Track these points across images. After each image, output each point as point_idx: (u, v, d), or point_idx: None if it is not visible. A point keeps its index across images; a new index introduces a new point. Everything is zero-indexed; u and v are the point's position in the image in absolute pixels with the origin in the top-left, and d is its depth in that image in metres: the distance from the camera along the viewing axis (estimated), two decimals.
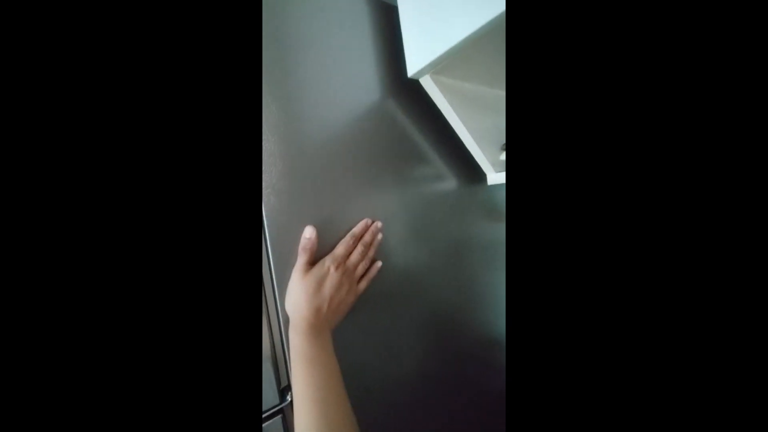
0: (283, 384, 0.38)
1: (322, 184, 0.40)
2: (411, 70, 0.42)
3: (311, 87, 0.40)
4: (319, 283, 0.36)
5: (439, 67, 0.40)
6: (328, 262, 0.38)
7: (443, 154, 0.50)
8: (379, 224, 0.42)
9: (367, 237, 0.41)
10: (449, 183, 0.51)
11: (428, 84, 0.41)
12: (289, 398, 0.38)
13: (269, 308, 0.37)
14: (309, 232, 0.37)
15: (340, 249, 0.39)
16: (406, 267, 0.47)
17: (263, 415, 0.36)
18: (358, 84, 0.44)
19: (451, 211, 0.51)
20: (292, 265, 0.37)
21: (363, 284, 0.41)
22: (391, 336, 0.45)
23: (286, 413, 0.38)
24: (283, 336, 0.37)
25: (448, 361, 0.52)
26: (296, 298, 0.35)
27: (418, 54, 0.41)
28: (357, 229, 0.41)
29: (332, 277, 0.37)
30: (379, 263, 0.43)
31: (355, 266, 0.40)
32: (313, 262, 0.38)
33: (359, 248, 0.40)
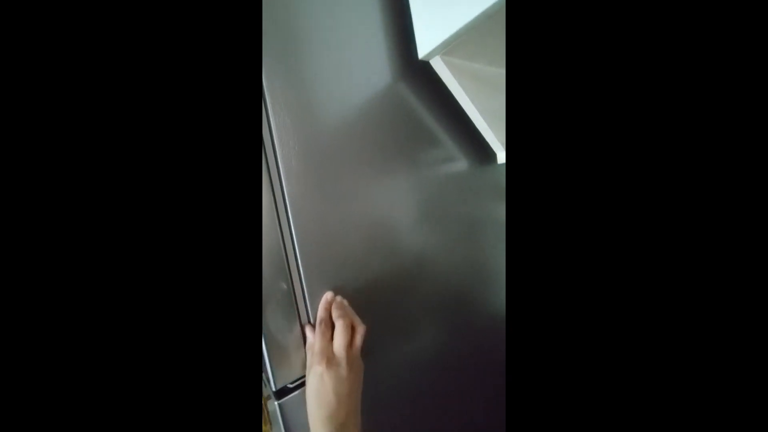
0: None
1: (336, 167, 0.41)
2: (421, 52, 0.42)
3: (320, 72, 0.41)
4: (318, 393, 0.35)
5: (450, 47, 0.40)
6: (315, 366, 0.35)
7: (454, 135, 0.50)
8: (332, 296, 0.40)
9: (335, 313, 0.39)
10: (460, 164, 0.52)
11: (438, 65, 0.42)
12: None
13: (293, 282, 0.39)
14: (309, 333, 0.38)
15: (317, 344, 0.37)
16: (419, 249, 0.48)
17: (296, 384, 0.40)
18: (369, 67, 0.44)
19: (463, 192, 0.52)
20: (316, 249, 0.39)
21: (358, 347, 0.38)
22: (405, 318, 0.48)
23: None
24: (309, 310, 0.40)
25: (461, 341, 0.55)
26: (309, 408, 0.35)
27: (428, 35, 0.41)
28: (322, 313, 0.38)
29: (327, 382, 0.35)
30: (363, 326, 0.40)
31: (345, 347, 0.36)
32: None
33: (339, 328, 0.37)
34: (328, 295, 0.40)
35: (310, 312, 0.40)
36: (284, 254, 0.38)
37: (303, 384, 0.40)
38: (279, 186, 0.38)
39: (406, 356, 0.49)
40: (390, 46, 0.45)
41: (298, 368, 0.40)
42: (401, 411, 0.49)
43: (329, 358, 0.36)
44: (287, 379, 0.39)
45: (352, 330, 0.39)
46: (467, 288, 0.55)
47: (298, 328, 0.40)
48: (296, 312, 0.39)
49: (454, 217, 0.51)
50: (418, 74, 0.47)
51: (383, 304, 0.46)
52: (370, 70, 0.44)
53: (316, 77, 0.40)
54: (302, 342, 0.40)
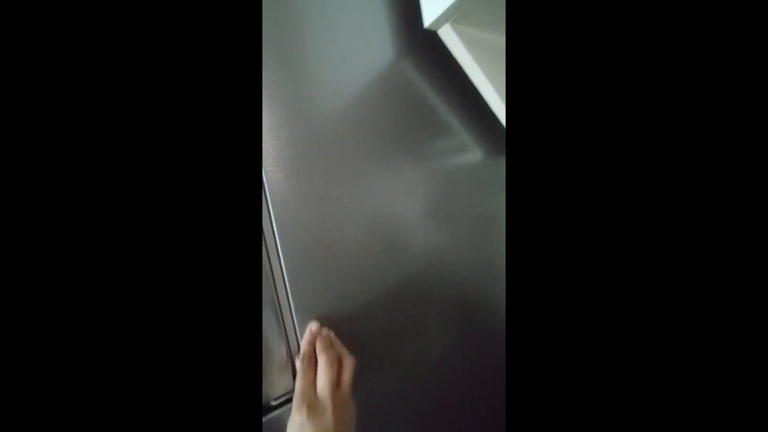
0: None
1: (331, 158, 0.36)
2: (428, 20, 0.36)
3: (316, 47, 0.35)
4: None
5: (460, 13, 0.34)
6: (294, 415, 0.30)
7: (466, 120, 0.44)
8: (317, 327, 0.35)
9: (319, 346, 0.33)
10: (472, 154, 0.45)
11: (447, 35, 0.35)
12: None
13: (279, 294, 0.35)
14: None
15: (298, 386, 0.31)
16: (427, 250, 0.43)
17: (280, 401, 0.36)
18: (369, 41, 0.38)
19: (475, 185, 0.46)
20: (301, 248, 0.35)
21: (347, 385, 0.33)
22: (412, 325, 0.43)
23: None
24: (295, 321, 0.36)
25: (472, 338, 0.50)
26: None
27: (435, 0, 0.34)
28: (306, 348, 0.33)
29: (307, 429, 0.29)
30: (352, 359, 0.34)
31: (331, 387, 0.31)
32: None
33: (323, 365, 0.32)
34: (312, 326, 0.34)
35: (296, 324, 0.36)
36: (268, 264, 0.34)
37: (288, 401, 0.36)
38: (264, 195, 0.33)
39: (413, 353, 0.44)
40: (391, 15, 0.39)
41: (282, 384, 0.36)
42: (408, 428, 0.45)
43: (311, 404, 0.30)
44: (270, 396, 0.35)
45: (340, 365, 0.33)
46: (480, 290, 0.49)
47: (283, 342, 0.35)
48: (281, 322, 0.35)
49: (465, 214, 0.45)
50: (425, 48, 0.40)
51: (388, 311, 0.41)
52: (369, 45, 0.38)
53: (307, 58, 0.35)
54: (287, 356, 0.36)
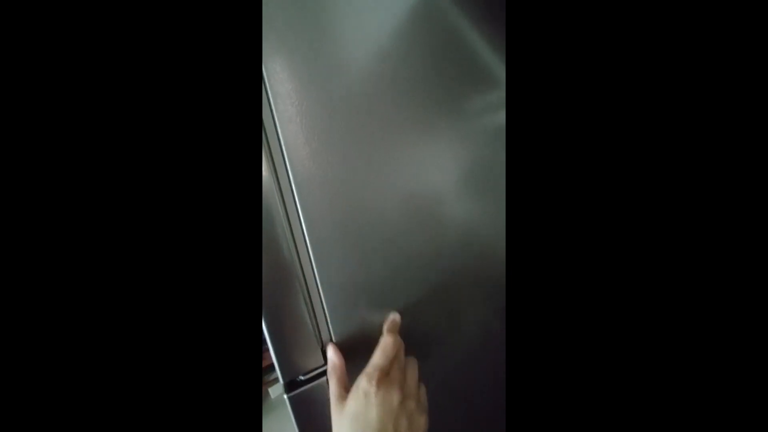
0: (326, 344, 0.35)
1: (356, 123, 0.32)
2: None
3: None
4: (359, 421, 0.26)
5: None
6: (363, 384, 0.27)
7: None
8: (398, 317, 0.34)
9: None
10: None
11: None
12: None
13: (305, 272, 0.33)
14: (332, 353, 0.30)
15: (376, 358, 0.29)
16: (467, 220, 0.38)
17: (309, 376, 0.35)
18: None
19: None
20: (327, 221, 0.32)
21: (423, 421, 0.29)
22: (450, 293, 0.39)
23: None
24: (322, 295, 0.33)
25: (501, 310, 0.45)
26: None
27: None
28: (391, 326, 0.31)
29: (377, 407, 0.26)
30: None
31: (411, 389, 0.29)
32: (347, 388, 0.29)
33: (412, 361, 0.30)
34: (395, 317, 0.34)
35: (324, 300, 0.33)
36: (293, 244, 0.32)
37: (316, 378, 0.35)
38: (282, 165, 0.30)
39: (449, 332, 0.41)
40: None
41: (310, 360, 0.34)
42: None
43: (382, 378, 0.28)
44: (297, 372, 0.34)
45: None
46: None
47: (308, 318, 0.33)
48: (308, 299, 0.33)
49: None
50: None
51: (422, 291, 0.37)
52: None
53: (326, 10, 0.30)
54: (315, 332, 0.34)
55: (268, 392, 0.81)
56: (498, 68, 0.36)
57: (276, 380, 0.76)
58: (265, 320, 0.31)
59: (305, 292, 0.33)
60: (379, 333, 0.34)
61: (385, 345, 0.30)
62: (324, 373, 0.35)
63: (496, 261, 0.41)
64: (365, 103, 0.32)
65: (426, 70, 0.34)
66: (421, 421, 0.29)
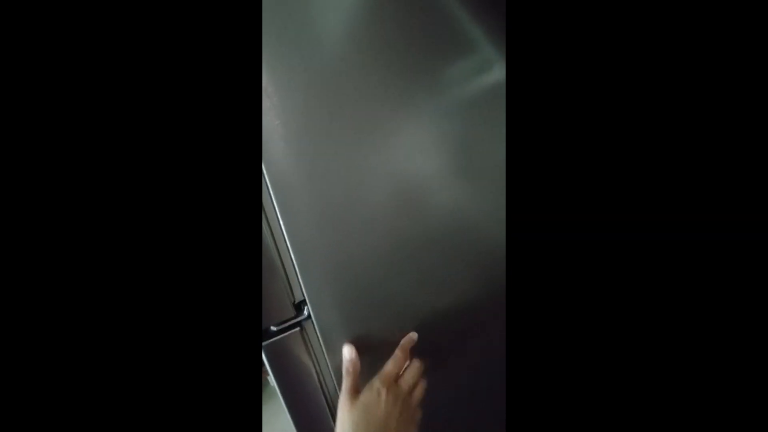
0: (298, 299, 0.37)
1: (333, 107, 0.32)
2: None
3: None
4: (368, 410, 0.32)
5: None
6: (377, 384, 0.33)
7: (491, 23, 0.35)
8: (415, 336, 0.38)
9: (416, 364, 0.36)
10: (499, 71, 0.37)
11: None
12: (306, 312, 0.37)
13: (273, 230, 0.34)
14: (348, 352, 0.35)
15: (389, 367, 0.35)
16: (452, 198, 0.38)
17: (280, 327, 0.37)
18: None
19: (501, 114, 0.38)
20: (305, 213, 0.33)
21: (419, 414, 0.36)
22: (440, 275, 0.40)
23: (304, 327, 0.37)
24: (290, 246, 0.34)
25: (497, 296, 0.45)
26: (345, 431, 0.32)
27: None
28: (406, 342, 0.36)
29: (386, 402, 0.32)
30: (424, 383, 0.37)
31: (411, 388, 0.35)
32: (358, 385, 0.34)
33: (415, 365, 0.36)
34: (413, 336, 0.38)
35: (298, 269, 0.35)
36: (270, 233, 0.33)
37: (289, 328, 0.37)
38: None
39: (438, 313, 0.42)
40: None
41: (282, 311, 0.36)
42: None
43: (391, 384, 0.34)
44: (270, 321, 0.36)
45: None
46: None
47: (281, 271, 0.35)
48: (278, 254, 0.34)
49: (494, 154, 0.37)
50: None
51: (412, 264, 0.38)
52: None
53: None
54: (287, 284, 0.36)
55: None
56: (471, 27, 0.35)
57: None
58: None
59: (275, 247, 0.34)
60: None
61: (397, 357, 0.36)
62: (295, 325, 0.37)
63: (488, 244, 0.41)
64: (337, 85, 0.31)
65: (398, 40, 0.32)
66: (414, 422, 0.36)
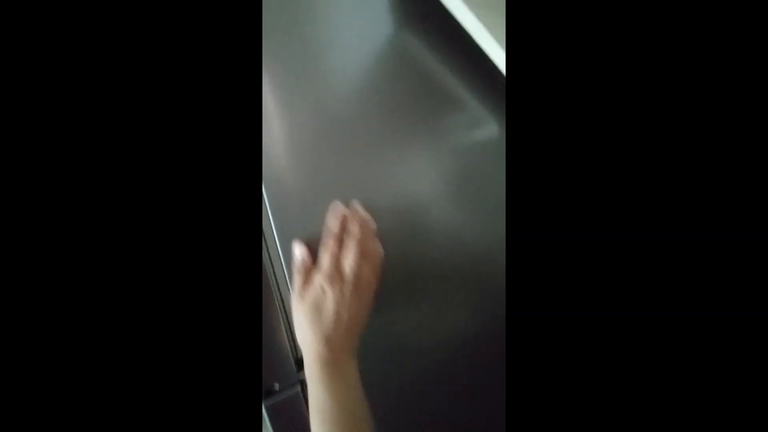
0: (300, 355, 0.36)
1: (331, 143, 0.35)
2: None
3: (310, 31, 0.34)
4: (318, 307, 0.31)
5: None
6: (319, 280, 0.31)
7: (479, 91, 0.39)
8: (361, 210, 0.33)
9: (354, 229, 0.32)
10: (490, 127, 0.40)
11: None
12: None
13: (278, 280, 0.35)
14: (298, 251, 0.32)
15: (325, 258, 0.32)
16: (446, 230, 0.40)
17: (285, 386, 0.36)
18: (367, 15, 0.36)
19: (497, 161, 0.40)
20: (296, 235, 0.34)
21: (374, 284, 0.33)
22: (435, 299, 0.40)
23: (305, 385, 0.37)
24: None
25: (496, 322, 0.44)
26: (301, 333, 0.32)
27: None
28: (332, 225, 0.32)
29: (331, 295, 0.30)
30: (379, 249, 0.34)
31: (355, 271, 0.31)
32: (308, 280, 0.32)
33: (351, 248, 0.31)
34: (337, 205, 0.33)
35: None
36: (267, 256, 0.34)
37: (290, 387, 0.36)
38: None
39: (434, 337, 0.41)
40: None
41: (285, 371, 0.36)
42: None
43: (333, 275, 0.31)
44: (273, 379, 0.36)
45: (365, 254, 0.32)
46: (501, 269, 0.43)
47: (284, 331, 0.35)
48: (284, 312, 0.35)
49: (485, 190, 0.40)
50: (426, 15, 0.37)
51: (408, 290, 0.38)
52: (368, 19, 0.36)
53: (306, 39, 0.34)
54: (289, 345, 0.36)
55: None
56: (464, 93, 0.38)
57: None
58: None
59: (281, 304, 0.35)
60: None
61: (328, 245, 0.32)
62: (298, 383, 0.36)
63: (474, 263, 0.41)
64: (345, 126, 0.35)
65: (400, 96, 0.37)
66: (372, 286, 0.33)
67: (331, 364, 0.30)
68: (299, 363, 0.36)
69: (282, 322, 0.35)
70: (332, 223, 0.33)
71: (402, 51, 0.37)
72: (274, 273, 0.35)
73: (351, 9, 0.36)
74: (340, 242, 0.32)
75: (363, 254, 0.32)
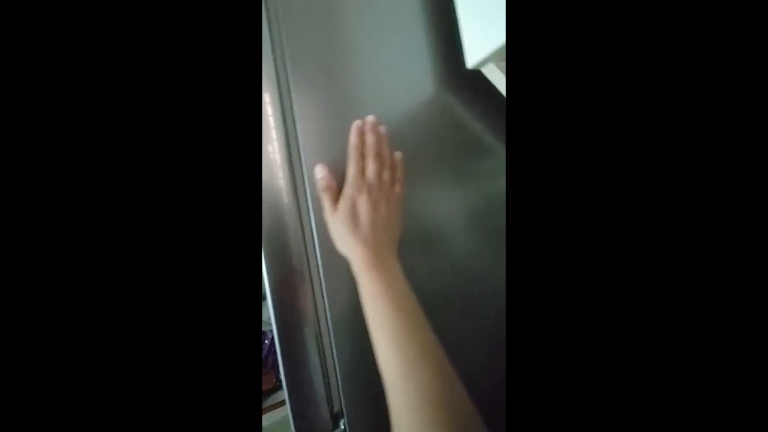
0: (336, 408, 0.34)
1: None
2: (471, 61, 0.38)
3: (356, 85, 0.37)
4: (352, 214, 0.32)
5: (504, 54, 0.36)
6: (348, 190, 0.33)
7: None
8: (372, 118, 0.35)
9: (370, 139, 0.34)
10: None
11: (492, 73, 0.37)
12: (342, 426, 0.34)
13: (319, 315, 0.33)
14: (320, 171, 0.34)
15: (351, 171, 0.33)
16: (469, 267, 0.42)
17: None
18: (409, 79, 0.40)
19: None
20: (341, 263, 0.34)
21: (398, 187, 0.35)
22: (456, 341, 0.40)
23: None
24: (335, 352, 0.33)
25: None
26: (341, 239, 0.33)
27: (479, 42, 0.36)
28: (353, 138, 0.34)
29: (362, 201, 0.32)
30: (398, 154, 0.36)
31: (379, 176, 0.34)
32: (337, 198, 0.34)
33: (370, 156, 0.34)
34: (358, 123, 0.35)
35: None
36: (308, 272, 0.33)
37: None
38: (306, 207, 0.33)
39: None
40: (434, 55, 0.41)
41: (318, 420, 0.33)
42: None
43: (359, 184, 0.33)
44: None
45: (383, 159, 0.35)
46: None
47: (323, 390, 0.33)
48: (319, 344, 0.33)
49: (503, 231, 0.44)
50: (468, 83, 0.42)
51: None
52: (411, 82, 0.40)
53: (353, 83, 0.36)
54: (327, 401, 0.33)
55: None
56: (492, 142, 0.44)
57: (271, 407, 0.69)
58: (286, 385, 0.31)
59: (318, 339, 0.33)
60: None
61: (354, 158, 0.34)
62: None
63: (487, 296, 0.44)
64: None
65: (433, 139, 0.41)
66: (396, 189, 0.35)
67: (376, 261, 0.31)
68: (334, 418, 0.34)
69: (320, 365, 0.33)
70: (352, 138, 0.34)
71: (440, 107, 0.41)
72: (313, 290, 0.33)
73: (399, 69, 0.39)
74: (362, 155, 0.34)
75: (381, 160, 0.34)
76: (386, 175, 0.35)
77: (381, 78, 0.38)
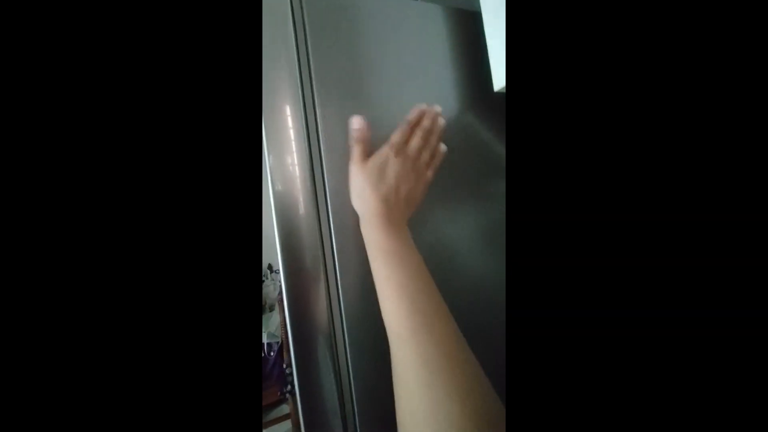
0: (349, 420, 0.33)
1: None
2: (498, 84, 0.38)
3: (380, 106, 0.37)
4: (381, 171, 0.32)
5: None
6: (386, 149, 0.33)
7: None
8: (438, 108, 0.36)
9: (425, 123, 0.35)
10: None
11: None
12: None
13: (335, 325, 0.32)
14: (358, 122, 0.33)
15: (397, 136, 0.34)
16: (483, 279, 0.41)
17: None
18: (435, 100, 0.40)
19: None
20: (357, 273, 0.34)
21: (430, 173, 0.36)
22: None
23: None
24: (350, 363, 0.32)
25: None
26: (360, 190, 0.32)
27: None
28: (412, 115, 0.35)
29: (394, 164, 0.33)
30: (443, 147, 0.37)
31: (418, 153, 0.34)
32: (369, 153, 0.34)
33: (419, 134, 0.34)
34: (423, 106, 0.36)
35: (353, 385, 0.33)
36: (326, 286, 0.33)
37: None
38: (326, 216, 0.33)
39: None
40: (460, 77, 0.42)
41: None
42: None
43: (400, 148, 0.33)
44: None
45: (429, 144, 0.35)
46: None
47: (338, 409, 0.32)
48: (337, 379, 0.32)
49: None
50: (494, 106, 0.42)
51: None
52: (438, 101, 0.40)
53: (378, 100, 0.37)
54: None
55: None
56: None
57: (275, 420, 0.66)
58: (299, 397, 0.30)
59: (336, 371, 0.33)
60: None
61: (403, 127, 0.34)
62: None
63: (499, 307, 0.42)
64: None
65: (454, 158, 0.40)
66: (428, 173, 0.36)
67: (390, 220, 0.31)
68: None
69: (339, 400, 0.32)
70: (411, 114, 0.35)
71: (464, 127, 0.41)
72: (330, 301, 0.32)
73: (423, 88, 0.40)
74: (412, 129, 0.35)
75: (427, 143, 0.35)
76: (426, 155, 0.35)
77: (406, 99, 0.39)
